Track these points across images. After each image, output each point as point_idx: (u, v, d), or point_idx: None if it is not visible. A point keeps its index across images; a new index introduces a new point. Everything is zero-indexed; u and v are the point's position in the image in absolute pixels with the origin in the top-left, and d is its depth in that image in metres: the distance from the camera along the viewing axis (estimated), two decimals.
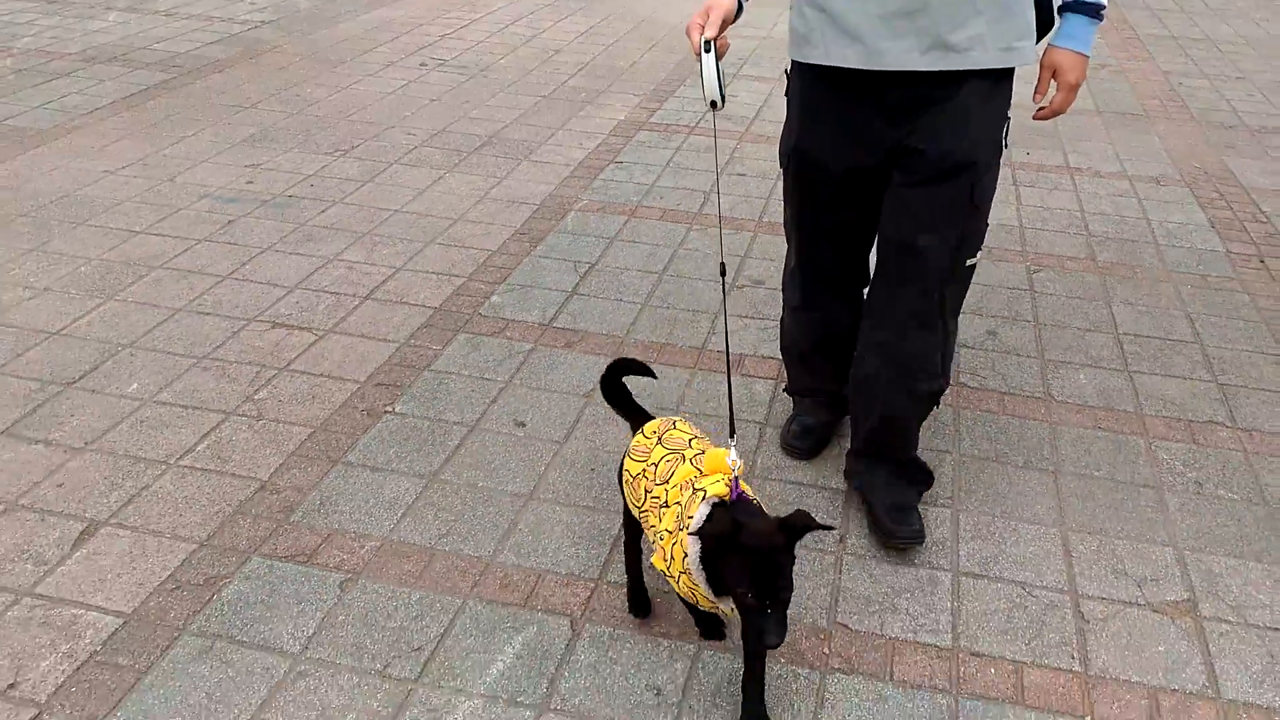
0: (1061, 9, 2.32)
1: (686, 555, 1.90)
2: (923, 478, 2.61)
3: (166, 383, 2.93)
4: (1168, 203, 4.34)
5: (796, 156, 2.45)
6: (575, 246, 3.78)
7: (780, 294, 2.77)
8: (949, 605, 2.29)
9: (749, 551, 1.78)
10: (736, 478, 1.94)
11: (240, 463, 2.63)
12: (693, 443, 2.10)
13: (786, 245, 2.68)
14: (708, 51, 2.07)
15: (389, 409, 2.84)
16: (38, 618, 2.18)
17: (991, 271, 3.68)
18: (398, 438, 2.74)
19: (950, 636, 2.21)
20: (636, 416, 2.30)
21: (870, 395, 2.49)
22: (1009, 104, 2.31)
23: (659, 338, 3.25)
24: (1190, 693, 2.09)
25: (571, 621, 2.20)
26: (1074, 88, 2.35)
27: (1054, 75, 2.35)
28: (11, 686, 2.02)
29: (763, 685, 2.01)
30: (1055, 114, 2.41)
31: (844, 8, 2.19)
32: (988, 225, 2.40)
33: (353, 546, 2.38)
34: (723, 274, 2.07)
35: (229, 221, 3.89)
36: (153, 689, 2.02)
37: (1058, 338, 3.29)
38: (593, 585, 2.30)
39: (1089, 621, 2.25)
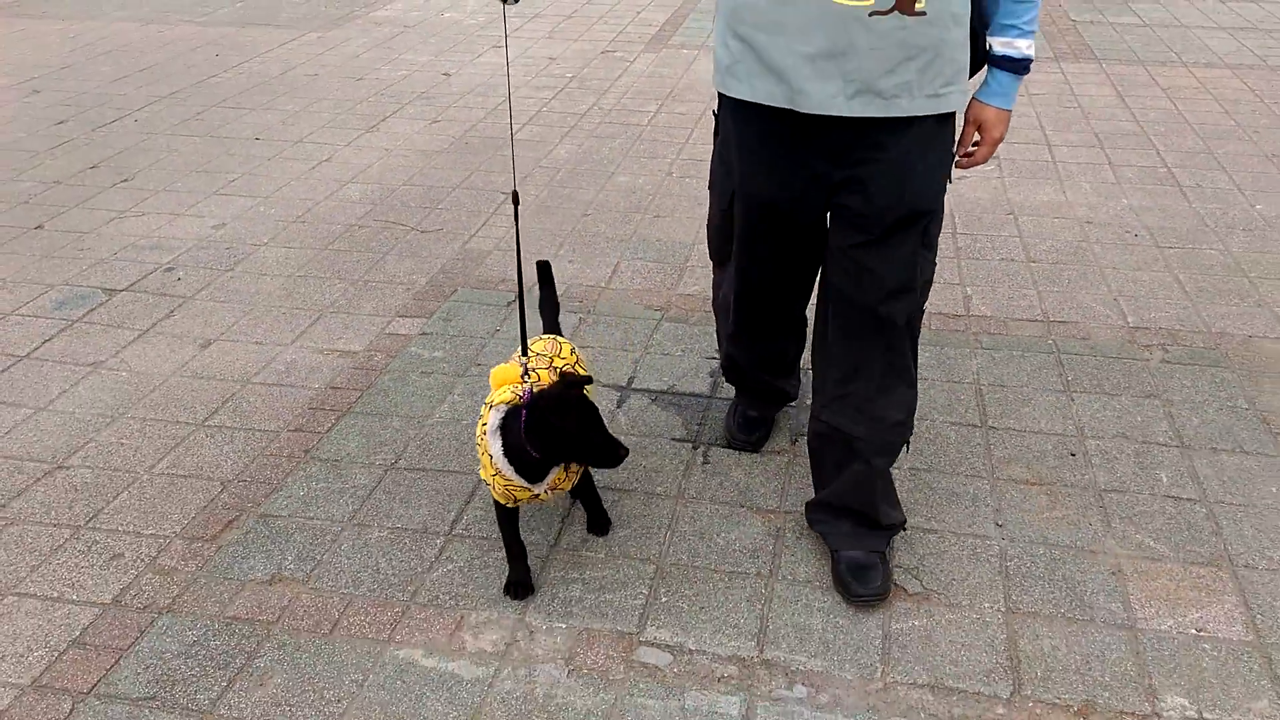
0: (990, 62, 2.19)
1: (493, 457, 2.00)
2: (893, 519, 2.43)
3: None
4: None
5: (745, 201, 2.32)
6: None
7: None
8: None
9: (569, 408, 1.92)
10: (530, 387, 2.02)
11: None
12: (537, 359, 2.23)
13: (713, 270, 2.67)
14: None
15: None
16: None
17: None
18: None
19: None
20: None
21: (845, 451, 2.35)
22: (953, 142, 2.23)
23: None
24: None
25: None
26: (997, 142, 2.25)
27: (979, 129, 2.25)
28: None
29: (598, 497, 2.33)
30: (976, 164, 2.30)
31: (766, 42, 2.03)
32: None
33: None
34: (515, 202, 2.15)
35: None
36: None
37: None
38: None
39: None
